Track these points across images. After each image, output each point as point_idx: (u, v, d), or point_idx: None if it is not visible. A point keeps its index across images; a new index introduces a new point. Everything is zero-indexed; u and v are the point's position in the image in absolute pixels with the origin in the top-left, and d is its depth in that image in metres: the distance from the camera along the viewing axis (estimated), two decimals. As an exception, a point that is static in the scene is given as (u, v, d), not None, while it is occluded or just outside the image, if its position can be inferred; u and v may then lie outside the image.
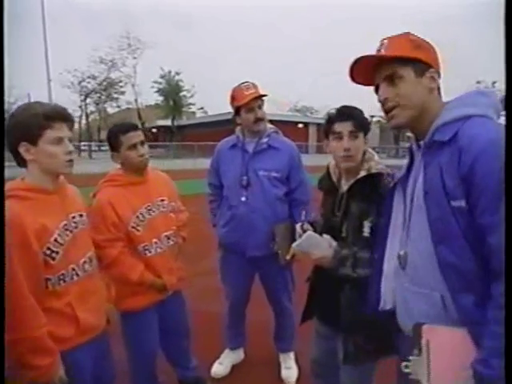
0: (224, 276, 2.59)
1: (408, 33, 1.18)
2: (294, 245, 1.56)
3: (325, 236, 1.56)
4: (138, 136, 1.88)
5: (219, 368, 2.65)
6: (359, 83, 1.25)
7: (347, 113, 1.56)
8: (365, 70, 1.20)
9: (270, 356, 2.75)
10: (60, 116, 1.42)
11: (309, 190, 2.46)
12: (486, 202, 0.96)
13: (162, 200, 2.03)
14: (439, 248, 1.06)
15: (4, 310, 1.17)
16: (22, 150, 1.38)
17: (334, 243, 1.55)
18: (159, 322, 2.03)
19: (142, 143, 1.90)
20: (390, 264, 1.29)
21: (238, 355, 2.78)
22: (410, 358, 1.07)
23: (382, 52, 1.15)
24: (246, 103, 2.25)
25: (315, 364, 1.86)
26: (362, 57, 1.16)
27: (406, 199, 1.23)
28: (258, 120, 2.29)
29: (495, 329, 0.92)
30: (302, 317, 1.81)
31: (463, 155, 0.99)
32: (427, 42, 1.17)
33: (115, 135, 1.88)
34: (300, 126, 34.82)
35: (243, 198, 2.32)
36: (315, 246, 1.52)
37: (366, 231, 1.52)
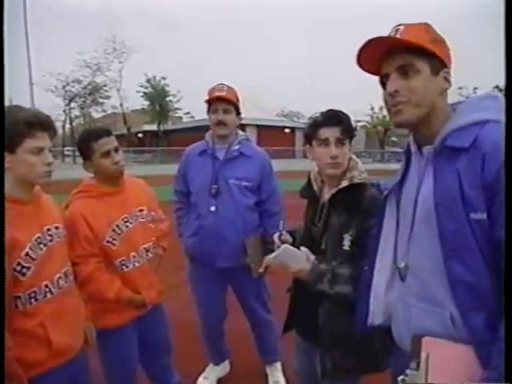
0: (195, 289, 2.49)
1: (427, 23, 1.06)
2: (270, 257, 1.50)
3: (303, 249, 1.49)
4: (111, 142, 1.74)
5: (204, 383, 2.56)
6: (365, 70, 1.13)
7: (335, 118, 1.48)
8: (373, 56, 1.07)
9: (257, 366, 2.68)
10: (42, 124, 1.34)
11: (280, 200, 2.41)
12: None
13: (141, 210, 1.90)
14: (450, 263, 0.97)
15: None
16: None
17: (313, 257, 1.48)
18: (138, 337, 1.92)
19: (116, 150, 1.76)
20: (380, 276, 1.21)
21: (224, 368, 2.68)
22: (408, 371, 1.01)
23: (398, 37, 1.02)
24: (211, 103, 2.22)
25: (298, 376, 1.81)
26: (374, 39, 1.03)
27: (402, 208, 1.15)
28: (219, 123, 2.23)
29: (503, 349, 0.85)
30: (283, 328, 1.75)
31: (488, 162, 0.91)
32: (443, 39, 1.06)
33: (86, 142, 1.73)
34: (287, 130, 34.98)
35: (212, 208, 2.24)
36: (292, 258, 1.46)
37: (346, 244, 1.44)
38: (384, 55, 1.06)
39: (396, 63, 1.04)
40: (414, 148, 1.14)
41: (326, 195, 1.56)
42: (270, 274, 2.33)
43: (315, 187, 1.64)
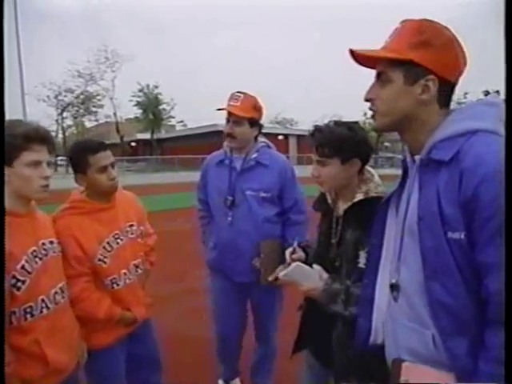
0: (214, 301, 2.41)
1: (424, 21, 0.95)
2: (280, 274, 1.43)
3: (315, 267, 1.42)
4: (108, 157, 1.67)
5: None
6: (363, 65, 1.05)
7: (311, 137, 1.38)
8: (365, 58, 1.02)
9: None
10: (41, 137, 1.32)
11: (305, 209, 2.26)
12: (488, 236, 0.81)
13: (131, 225, 1.83)
14: (431, 284, 0.91)
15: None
16: None
17: (326, 275, 1.39)
18: (127, 354, 1.83)
19: (113, 165, 1.69)
20: (381, 291, 1.12)
21: None
22: None
23: (388, 42, 0.98)
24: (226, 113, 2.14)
25: None
26: (353, 51, 0.99)
27: (399, 219, 1.08)
28: (228, 135, 2.14)
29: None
30: (293, 348, 1.64)
31: (466, 178, 0.84)
32: (444, 38, 0.94)
33: (82, 155, 1.64)
34: (280, 137, 35.14)
35: (229, 219, 2.16)
36: (304, 276, 1.39)
37: (362, 262, 1.32)
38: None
39: (377, 69, 1.01)
40: (408, 157, 1.08)
41: (340, 209, 1.47)
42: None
43: (329, 200, 1.54)
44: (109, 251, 1.70)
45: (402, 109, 0.97)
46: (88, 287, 1.65)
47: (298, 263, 1.40)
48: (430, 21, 0.96)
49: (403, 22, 0.98)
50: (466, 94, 30.27)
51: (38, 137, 1.31)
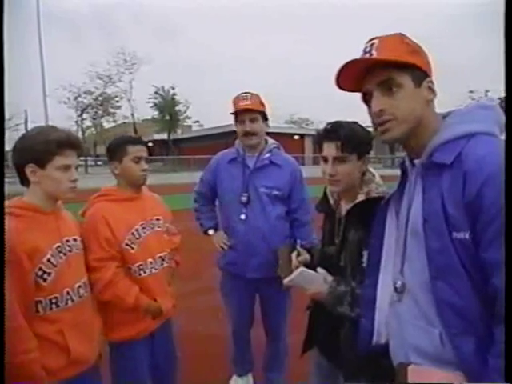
0: (225, 298, 2.49)
1: (401, 34, 1.02)
2: (285, 280, 1.45)
3: (319, 270, 1.43)
4: (144, 150, 1.88)
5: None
6: (345, 89, 1.08)
7: (333, 132, 1.38)
8: (352, 75, 1.03)
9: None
10: (72, 144, 1.45)
11: (310, 210, 2.32)
12: (493, 235, 0.83)
13: (158, 219, 1.96)
14: (437, 283, 0.93)
15: (4, 311, 1.14)
16: (28, 171, 1.38)
17: (330, 278, 1.41)
18: (150, 352, 1.90)
19: (146, 159, 1.89)
20: (383, 292, 1.13)
21: (247, 382, 2.59)
22: None
23: (374, 54, 0.99)
24: (238, 114, 2.21)
25: None
26: (352, 61, 1.00)
27: (400, 222, 1.09)
28: (247, 134, 2.20)
29: (496, 380, 0.81)
30: (302, 348, 1.66)
31: (469, 180, 0.87)
32: (420, 47, 1.03)
33: (122, 144, 1.84)
34: (296, 137, 35.03)
35: (243, 216, 2.22)
36: (309, 281, 1.41)
37: (366, 261, 1.33)
38: (365, 71, 1.02)
39: (377, 79, 1.00)
40: (407, 160, 1.10)
41: (343, 210, 1.49)
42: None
43: (331, 201, 1.56)
44: (137, 238, 1.82)
45: (417, 112, 0.99)
46: (119, 272, 1.76)
47: (302, 269, 1.42)
48: (401, 34, 1.03)
49: (378, 38, 1.02)
50: (487, 91, 29.37)
51: (69, 143, 1.43)
